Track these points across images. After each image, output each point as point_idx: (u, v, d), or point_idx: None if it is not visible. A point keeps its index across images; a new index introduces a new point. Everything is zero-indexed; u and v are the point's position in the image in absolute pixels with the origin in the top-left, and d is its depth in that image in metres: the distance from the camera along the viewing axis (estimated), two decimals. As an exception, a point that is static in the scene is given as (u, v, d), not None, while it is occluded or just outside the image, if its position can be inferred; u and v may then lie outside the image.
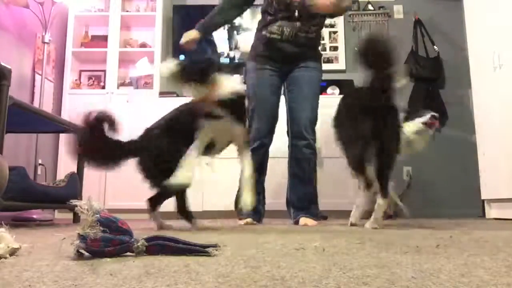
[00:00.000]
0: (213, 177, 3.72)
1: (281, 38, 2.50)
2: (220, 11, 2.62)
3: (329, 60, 4.46)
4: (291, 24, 2.48)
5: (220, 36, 4.36)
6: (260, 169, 2.57)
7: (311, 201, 2.58)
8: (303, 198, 2.56)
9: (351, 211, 2.37)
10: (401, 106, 2.24)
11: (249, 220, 2.57)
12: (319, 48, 2.71)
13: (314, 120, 2.56)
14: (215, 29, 2.73)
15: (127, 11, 4.37)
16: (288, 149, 2.62)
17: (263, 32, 2.56)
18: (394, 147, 2.03)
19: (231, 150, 2.84)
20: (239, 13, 2.75)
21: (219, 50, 4.38)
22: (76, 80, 4.23)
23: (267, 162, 2.66)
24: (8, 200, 2.14)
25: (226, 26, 4.20)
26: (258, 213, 2.62)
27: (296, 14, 2.45)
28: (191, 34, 2.53)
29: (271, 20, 2.53)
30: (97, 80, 4.29)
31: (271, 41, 2.53)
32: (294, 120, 2.54)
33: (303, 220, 2.43)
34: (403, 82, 2.02)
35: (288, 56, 2.54)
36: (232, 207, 3.27)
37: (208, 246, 0.99)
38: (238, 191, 2.68)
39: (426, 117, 2.52)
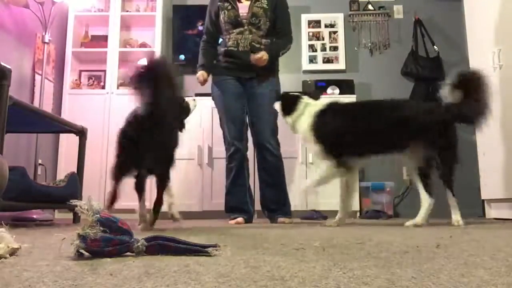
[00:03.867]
0: (212, 177, 3.75)
1: (238, 49, 2.80)
2: (205, 54, 2.94)
3: (329, 60, 4.46)
4: (243, 36, 2.80)
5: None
6: (242, 173, 2.82)
7: (283, 202, 2.84)
8: (275, 201, 2.81)
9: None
10: None
11: (239, 219, 2.72)
12: (277, 63, 2.95)
13: (274, 130, 2.84)
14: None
15: (127, 11, 4.37)
16: (255, 158, 2.88)
17: (222, 49, 2.90)
18: None
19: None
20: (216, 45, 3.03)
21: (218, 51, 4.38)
22: (76, 80, 4.23)
23: (247, 166, 2.89)
24: (8, 200, 2.14)
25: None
26: (248, 213, 2.82)
27: (246, 26, 2.79)
28: (203, 75, 2.85)
29: (226, 38, 2.87)
30: (97, 80, 4.28)
31: (229, 53, 2.83)
32: (257, 134, 2.83)
33: (280, 220, 2.73)
34: None
35: (246, 64, 2.78)
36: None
37: (208, 246, 0.99)
38: (227, 192, 2.79)
39: None
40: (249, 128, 2.90)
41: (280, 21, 2.89)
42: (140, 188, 1.94)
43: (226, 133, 2.83)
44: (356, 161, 2.42)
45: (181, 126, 2.21)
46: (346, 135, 2.34)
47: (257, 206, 3.00)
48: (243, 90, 2.86)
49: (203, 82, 2.88)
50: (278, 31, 2.88)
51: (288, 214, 2.80)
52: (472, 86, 2.21)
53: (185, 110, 2.31)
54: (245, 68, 2.81)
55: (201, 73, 2.86)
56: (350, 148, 2.34)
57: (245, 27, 2.79)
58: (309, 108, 2.49)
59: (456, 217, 2.22)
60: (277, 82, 2.92)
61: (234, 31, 2.81)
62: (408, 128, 2.23)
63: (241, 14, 2.80)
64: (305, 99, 2.56)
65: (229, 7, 2.81)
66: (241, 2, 2.84)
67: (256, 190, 3.06)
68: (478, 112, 2.18)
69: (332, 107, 2.47)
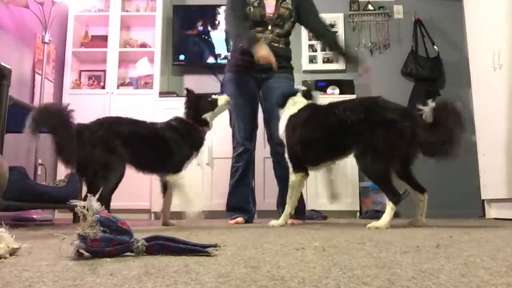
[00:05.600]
0: (213, 177, 3.75)
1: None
2: (237, 18, 2.68)
3: (329, 60, 4.47)
4: (264, 35, 2.69)
5: (218, 38, 4.37)
6: (248, 173, 2.77)
7: (301, 206, 2.63)
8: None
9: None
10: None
11: (239, 219, 2.69)
12: (291, 62, 2.89)
13: None
14: None
15: (127, 11, 4.37)
16: (271, 155, 2.79)
17: (239, 44, 2.69)
18: None
19: (231, 150, 2.86)
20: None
21: (216, 52, 4.38)
22: (76, 80, 4.23)
23: (253, 166, 2.85)
24: (8, 200, 2.14)
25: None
26: (249, 212, 2.78)
27: (270, 27, 2.70)
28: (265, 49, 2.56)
29: None
30: (97, 80, 4.29)
31: (246, 51, 2.64)
32: (272, 132, 2.69)
33: (290, 220, 2.53)
34: None
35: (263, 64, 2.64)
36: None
37: (208, 246, 0.99)
38: (230, 191, 2.77)
39: None
40: (264, 126, 2.82)
41: (313, 16, 2.84)
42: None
43: (236, 132, 2.75)
44: (313, 169, 2.35)
45: (205, 124, 2.50)
46: (302, 141, 2.26)
47: (258, 206, 2.98)
48: (257, 89, 2.78)
49: (268, 56, 2.55)
50: (319, 25, 2.86)
51: (301, 215, 2.61)
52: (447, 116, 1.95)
53: (212, 107, 2.52)
54: (261, 67, 2.66)
55: (263, 48, 2.53)
56: (307, 154, 2.26)
57: (269, 28, 2.70)
58: (289, 109, 2.40)
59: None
60: (292, 80, 2.84)
61: (256, 29, 2.69)
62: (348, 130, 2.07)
63: (267, 14, 2.69)
64: (296, 98, 2.43)
65: (256, 4, 2.69)
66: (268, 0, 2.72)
67: (257, 190, 3.02)
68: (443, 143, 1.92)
69: (303, 110, 2.34)
